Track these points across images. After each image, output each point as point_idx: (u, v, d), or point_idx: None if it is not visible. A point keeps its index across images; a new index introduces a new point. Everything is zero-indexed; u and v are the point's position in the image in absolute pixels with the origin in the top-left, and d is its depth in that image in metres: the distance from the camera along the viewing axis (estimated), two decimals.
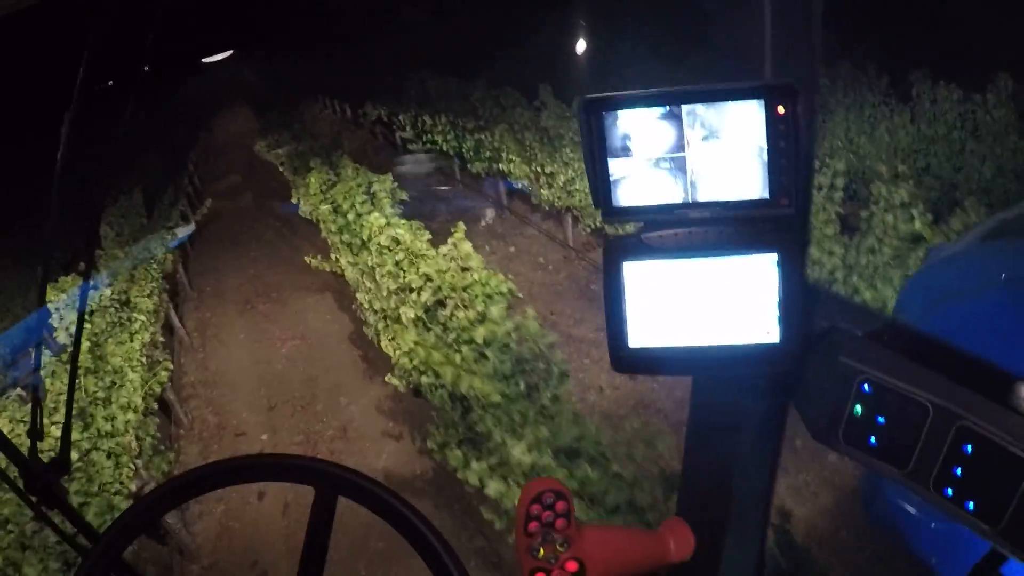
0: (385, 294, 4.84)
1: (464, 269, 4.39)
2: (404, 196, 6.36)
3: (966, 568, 1.13)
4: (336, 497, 1.30)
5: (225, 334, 9.36)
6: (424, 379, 4.01)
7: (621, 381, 6.29)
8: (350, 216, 6.02)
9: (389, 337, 5.05)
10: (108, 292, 6.30)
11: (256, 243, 12.46)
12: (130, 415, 4.95)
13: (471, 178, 12.11)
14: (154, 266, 8.44)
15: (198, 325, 9.81)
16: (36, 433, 1.31)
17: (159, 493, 1.25)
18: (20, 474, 1.26)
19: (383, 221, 5.40)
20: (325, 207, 6.66)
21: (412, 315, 4.23)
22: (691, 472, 1.51)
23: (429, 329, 4.12)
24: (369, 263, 5.32)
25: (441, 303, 4.14)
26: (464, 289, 4.05)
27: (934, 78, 7.62)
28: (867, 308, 1.35)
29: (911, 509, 2.90)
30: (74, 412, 3.85)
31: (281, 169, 11.73)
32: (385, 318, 5.23)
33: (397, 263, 4.75)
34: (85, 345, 5.38)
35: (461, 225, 5.47)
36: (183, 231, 11.17)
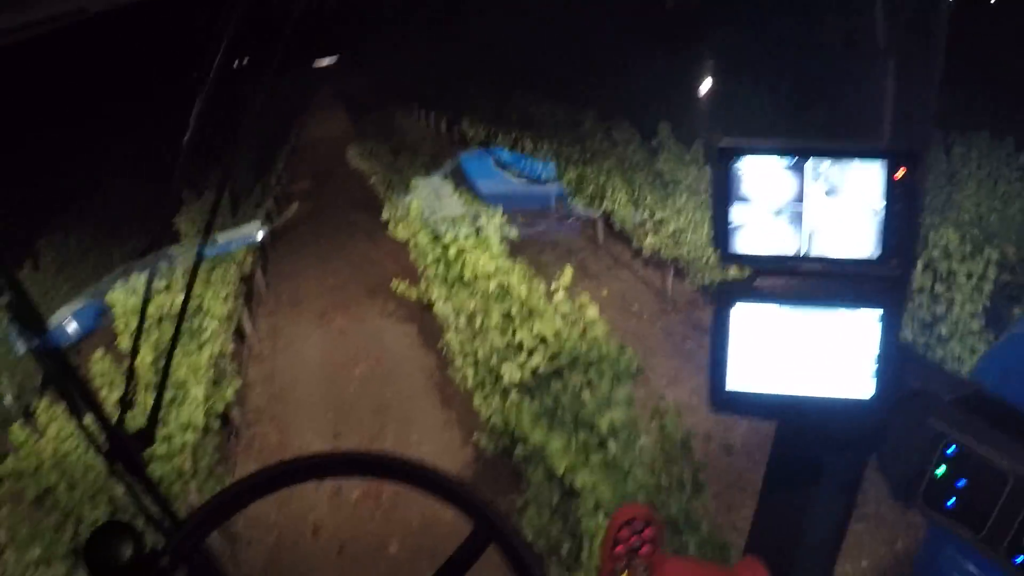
0: (488, 349, 4.43)
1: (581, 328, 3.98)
2: (513, 234, 5.99)
3: None
4: (489, 543, 1.24)
5: (297, 345, 9.09)
6: (520, 450, 3.61)
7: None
8: (452, 250, 5.64)
9: (483, 395, 4.64)
10: (180, 297, 6.02)
11: (338, 253, 12.23)
12: (189, 435, 4.67)
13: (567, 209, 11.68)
14: (232, 268, 8.21)
15: (270, 332, 9.59)
16: (126, 402, 1.33)
17: (250, 482, 1.25)
18: (107, 440, 1.26)
19: (492, 265, 5.00)
20: (424, 235, 6.27)
21: (517, 377, 3.83)
22: (764, 515, 1.53)
23: (534, 397, 3.71)
24: (470, 306, 4.92)
25: (558, 373, 3.71)
26: (590, 365, 3.62)
27: None
28: (954, 374, 1.41)
29: None
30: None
31: (372, 180, 11.50)
32: (476, 364, 4.85)
33: (506, 315, 4.32)
34: (148, 357, 5.14)
35: (568, 270, 5.08)
36: (264, 231, 11.06)
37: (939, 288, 5.11)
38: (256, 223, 11.71)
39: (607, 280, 9.65)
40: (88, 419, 1.27)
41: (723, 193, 1.16)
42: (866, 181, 1.09)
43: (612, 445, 3.07)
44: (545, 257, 10.53)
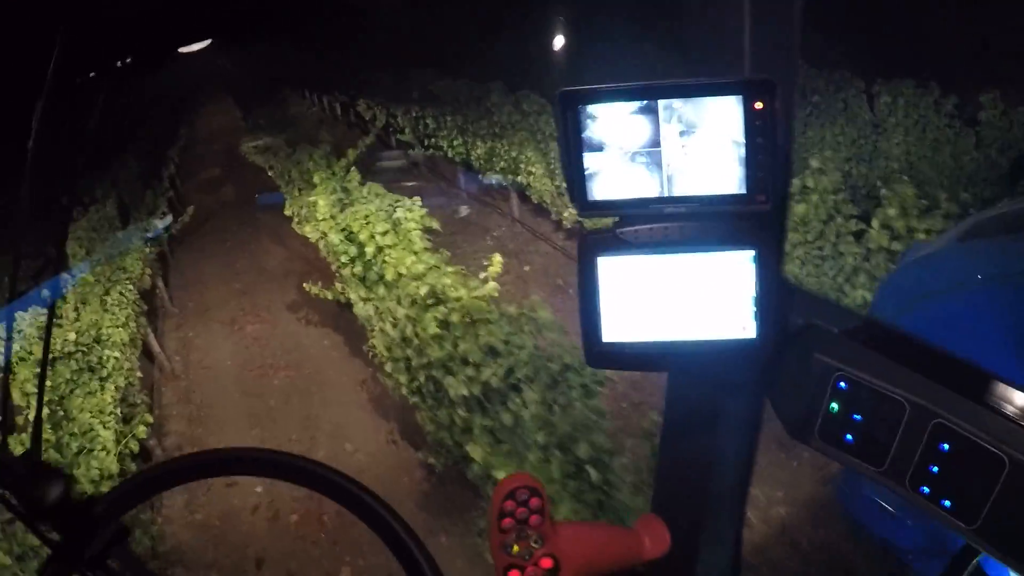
0: (424, 360, 4.12)
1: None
2: (435, 225, 5.66)
3: (942, 564, 1.25)
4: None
5: (211, 358, 8.61)
6: (476, 470, 3.33)
7: None
8: (369, 249, 5.28)
9: (427, 408, 4.34)
10: (73, 335, 5.55)
11: (242, 256, 11.74)
12: (104, 486, 4.26)
13: (478, 187, 11.48)
14: (130, 287, 7.70)
15: (180, 347, 9.08)
16: (4, 426, 1.25)
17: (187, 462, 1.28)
18: None
19: (419, 266, 4.66)
20: (335, 236, 5.90)
21: (465, 392, 3.54)
22: (666, 469, 1.54)
23: (486, 413, 3.43)
24: (397, 313, 4.60)
25: (515, 387, 3.42)
26: (555, 381, 3.34)
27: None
28: (843, 306, 1.55)
29: (887, 506, 2.99)
30: None
31: (271, 174, 11.01)
32: (409, 370, 4.54)
33: (443, 322, 4.00)
34: (45, 411, 4.62)
35: (497, 258, 4.81)
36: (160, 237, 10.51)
37: (897, 247, 5.03)
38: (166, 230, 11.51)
39: (528, 256, 9.44)
40: None
41: (572, 141, 1.11)
42: (723, 117, 1.06)
43: (593, 473, 2.81)
44: (461, 238, 10.27)
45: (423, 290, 4.22)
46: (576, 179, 1.14)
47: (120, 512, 1.21)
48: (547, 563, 1.24)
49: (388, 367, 5.15)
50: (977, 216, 3.84)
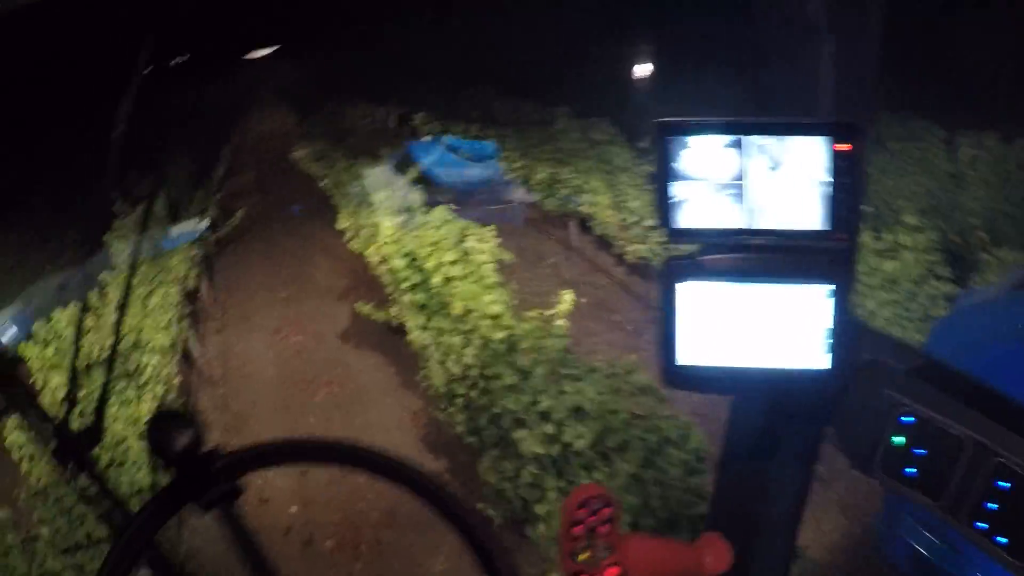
0: (494, 412, 3.82)
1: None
2: (507, 257, 5.40)
3: None
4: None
5: (251, 367, 8.44)
6: (541, 528, 3.06)
7: None
8: (435, 280, 5.01)
9: (491, 460, 4.06)
10: (110, 339, 5.29)
11: (289, 261, 11.59)
12: (134, 503, 4.04)
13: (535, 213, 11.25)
14: (173, 289, 7.53)
15: (220, 352, 8.92)
16: (73, 401, 1.33)
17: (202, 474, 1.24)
18: (54, 439, 1.27)
19: (495, 306, 4.37)
20: (399, 261, 5.63)
21: (539, 451, 3.25)
22: (723, 490, 1.57)
23: (562, 474, 3.14)
24: (465, 354, 4.31)
25: (605, 456, 3.12)
26: (653, 452, 3.05)
27: None
28: (907, 344, 1.49)
29: (925, 552, 2.96)
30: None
31: (325, 184, 10.88)
32: (468, 408, 4.29)
33: (519, 370, 3.68)
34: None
35: (568, 297, 4.56)
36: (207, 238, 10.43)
37: None
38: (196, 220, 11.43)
39: (584, 287, 9.16)
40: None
41: (663, 169, 1.18)
42: (809, 155, 1.11)
43: None
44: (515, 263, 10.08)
45: (498, 334, 3.93)
46: (665, 206, 1.22)
47: (236, 472, 1.25)
48: (613, 572, 1.28)
49: (444, 403, 4.89)
50: None
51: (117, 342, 1.57)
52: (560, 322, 4.21)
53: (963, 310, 3.88)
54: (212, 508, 1.23)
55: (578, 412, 3.32)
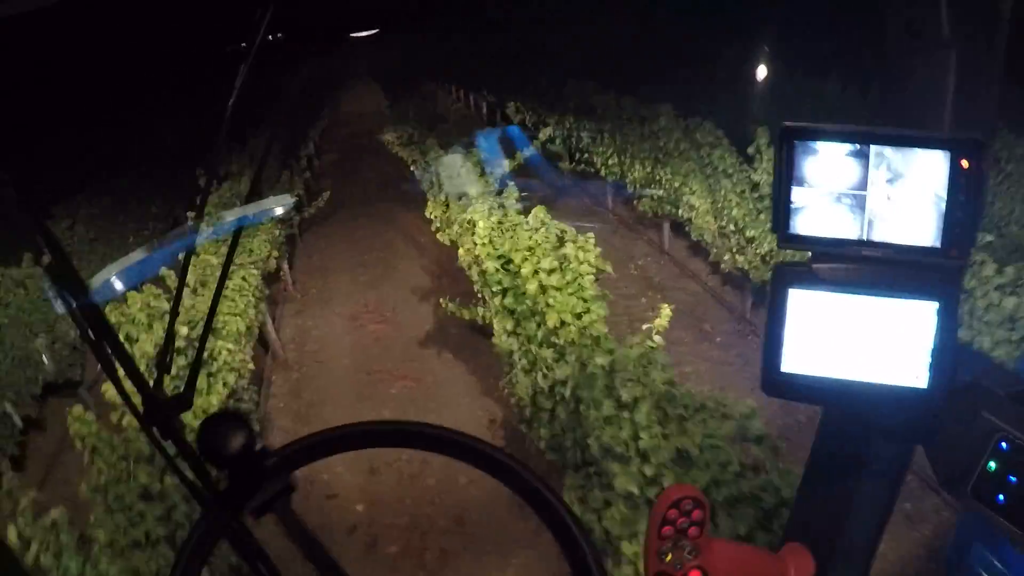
0: (587, 443, 3.52)
1: None
2: (609, 268, 5.08)
3: None
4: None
5: (326, 354, 8.31)
6: (625, 570, 2.77)
7: None
8: (530, 287, 4.74)
9: (571, 479, 3.77)
10: (185, 329, 5.20)
11: (373, 246, 11.48)
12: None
13: (629, 212, 11.01)
14: (253, 272, 7.41)
15: (296, 335, 8.83)
16: (164, 366, 1.29)
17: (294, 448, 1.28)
18: (144, 404, 1.21)
19: (599, 325, 4.06)
20: (491, 263, 5.37)
21: (634, 491, 2.96)
22: (806, 499, 1.56)
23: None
24: (558, 372, 4.03)
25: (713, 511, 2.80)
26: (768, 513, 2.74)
27: None
28: (1007, 368, 1.63)
29: None
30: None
31: (414, 170, 10.68)
32: (553, 422, 4.00)
33: (620, 402, 3.40)
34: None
35: (666, 310, 4.23)
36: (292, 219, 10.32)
37: None
38: (286, 197, 11.43)
39: (673, 293, 8.82)
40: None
41: (785, 174, 1.17)
42: (930, 170, 1.10)
43: None
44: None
45: (600, 359, 3.63)
46: (782, 210, 1.19)
47: (291, 468, 1.23)
48: (696, 575, 1.29)
49: (527, 413, 4.62)
50: None
51: (211, 316, 1.50)
52: (658, 339, 3.87)
53: None
54: (267, 511, 1.20)
55: (681, 456, 3.00)
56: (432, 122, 13.93)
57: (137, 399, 1.24)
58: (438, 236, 7.68)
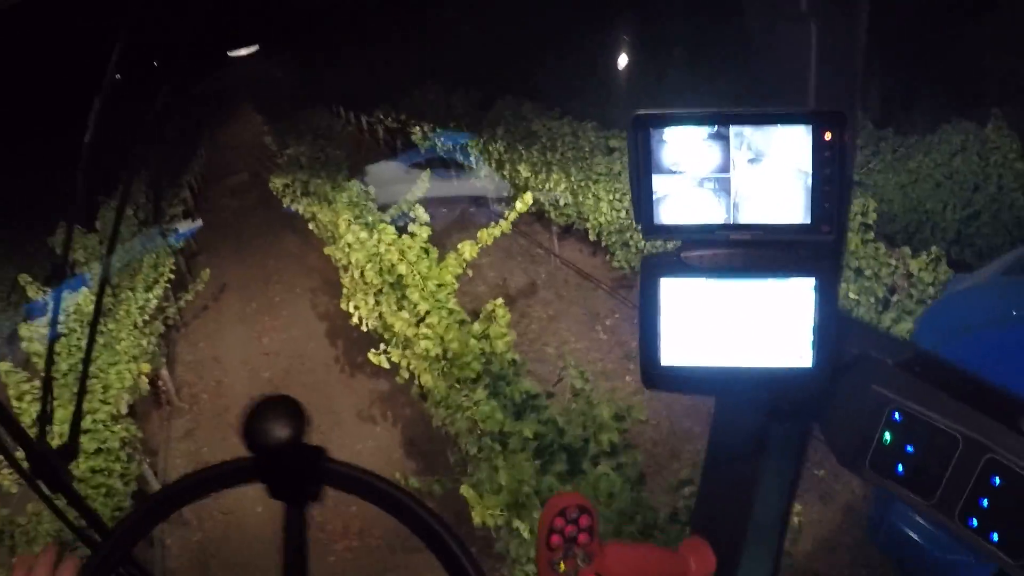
0: None
1: None
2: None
3: None
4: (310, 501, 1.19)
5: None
6: None
7: None
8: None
9: None
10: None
11: (276, 326, 9.57)
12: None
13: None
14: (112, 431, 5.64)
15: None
16: (45, 417, 1.35)
17: (173, 489, 1.21)
18: (27, 458, 1.28)
19: None
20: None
21: None
22: (709, 491, 1.58)
23: None
24: None
25: None
26: None
27: None
28: (895, 337, 1.68)
29: (917, 539, 3.08)
30: None
31: (312, 228, 8.81)
32: None
33: None
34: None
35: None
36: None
37: None
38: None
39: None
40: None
41: (643, 164, 1.16)
42: (792, 146, 1.10)
43: None
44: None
45: None
46: (644, 202, 1.18)
47: (338, 484, 1.12)
48: None
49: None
50: (1021, 250, 3.91)
51: (88, 359, 1.55)
52: None
53: (953, 296, 3.94)
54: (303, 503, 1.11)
55: None
56: (324, 161, 11.87)
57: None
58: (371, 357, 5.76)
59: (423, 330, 4.42)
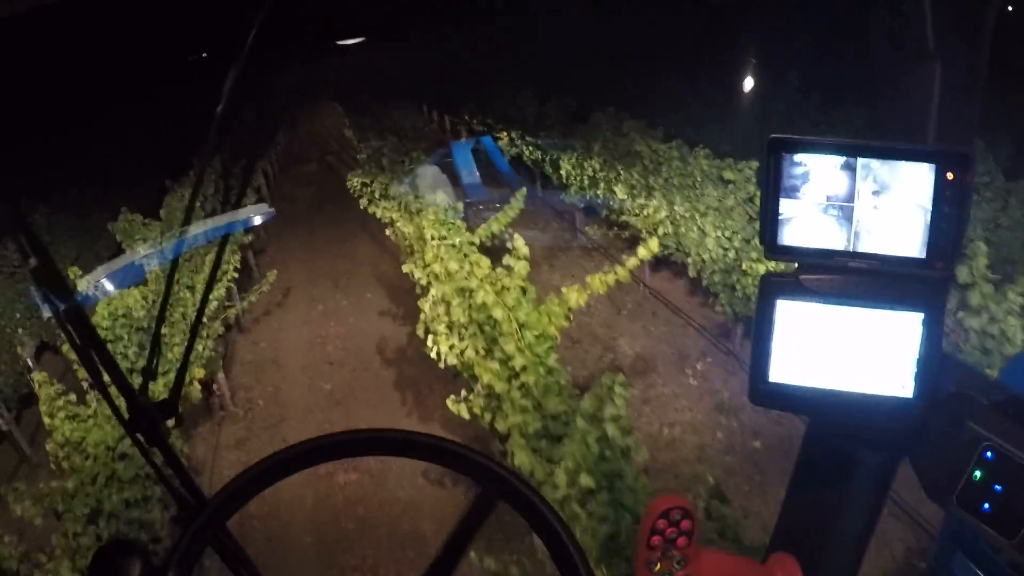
0: None
1: None
2: None
3: None
4: (497, 502, 1.32)
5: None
6: None
7: None
8: None
9: None
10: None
11: (334, 337, 9.08)
12: None
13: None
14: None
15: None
16: (150, 372, 1.39)
17: (274, 460, 1.31)
18: (128, 409, 1.32)
19: None
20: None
21: None
22: (792, 509, 1.58)
23: None
24: None
25: None
26: None
27: None
28: (991, 379, 1.41)
29: None
30: None
31: (390, 233, 8.26)
32: None
33: None
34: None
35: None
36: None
37: None
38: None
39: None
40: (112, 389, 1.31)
41: (773, 185, 1.21)
42: (916, 182, 1.14)
43: None
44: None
45: None
46: (770, 222, 1.24)
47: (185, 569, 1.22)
48: None
49: None
50: None
51: (199, 319, 1.61)
52: None
53: None
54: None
55: None
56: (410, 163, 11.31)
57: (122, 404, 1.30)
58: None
59: (515, 394, 3.87)
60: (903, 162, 1.13)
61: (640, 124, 11.10)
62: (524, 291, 4.60)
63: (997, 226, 6.95)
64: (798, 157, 1.18)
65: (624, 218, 9.06)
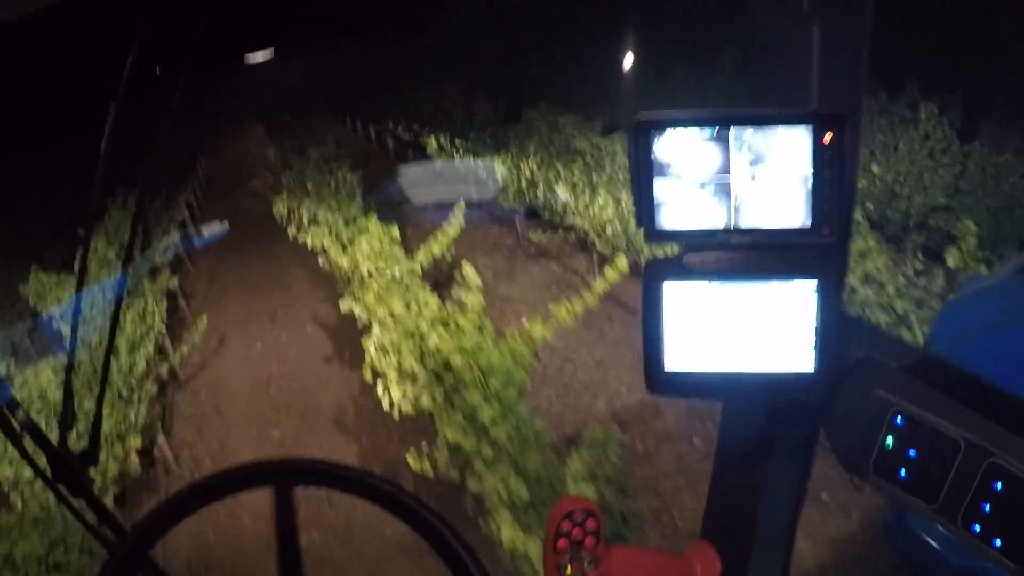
0: None
1: None
2: None
3: None
4: (293, 489, 1.32)
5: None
6: None
7: None
8: None
9: None
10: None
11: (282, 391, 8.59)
12: None
13: None
14: None
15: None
16: (66, 422, 1.37)
17: (188, 493, 1.34)
18: (49, 462, 1.32)
19: None
20: None
21: None
22: (717, 496, 1.57)
23: None
24: None
25: None
26: None
27: None
28: (901, 340, 1.56)
29: (934, 544, 3.04)
30: None
31: (322, 262, 7.84)
32: None
33: None
34: None
35: None
36: None
37: None
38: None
39: None
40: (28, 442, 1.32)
41: (644, 168, 1.16)
42: (793, 148, 1.10)
43: None
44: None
45: None
46: (645, 207, 1.17)
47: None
48: None
49: None
50: None
51: (107, 366, 1.51)
52: None
53: (963, 298, 3.85)
54: None
55: None
56: (336, 184, 10.86)
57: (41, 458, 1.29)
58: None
59: (487, 451, 3.42)
60: (778, 128, 1.09)
61: (576, 118, 10.78)
62: (481, 330, 4.17)
63: (958, 191, 6.78)
64: (667, 135, 1.12)
65: (570, 220, 8.67)
